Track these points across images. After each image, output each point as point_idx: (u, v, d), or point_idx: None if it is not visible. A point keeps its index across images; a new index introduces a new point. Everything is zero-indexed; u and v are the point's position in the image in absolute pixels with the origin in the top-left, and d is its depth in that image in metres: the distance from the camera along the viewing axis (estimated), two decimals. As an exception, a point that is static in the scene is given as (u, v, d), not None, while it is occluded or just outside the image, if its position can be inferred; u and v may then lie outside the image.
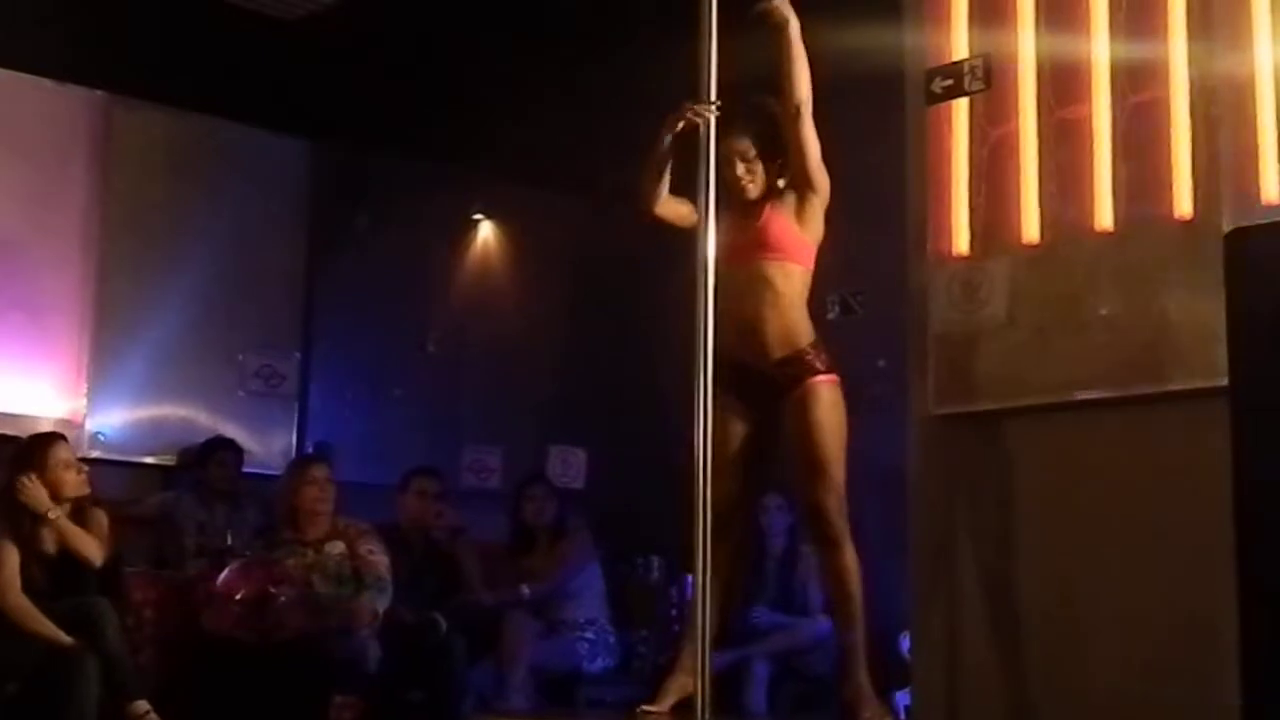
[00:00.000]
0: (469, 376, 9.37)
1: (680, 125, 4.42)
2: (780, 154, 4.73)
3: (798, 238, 4.70)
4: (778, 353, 4.63)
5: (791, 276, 4.68)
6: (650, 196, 4.71)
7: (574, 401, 9.31)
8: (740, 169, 4.71)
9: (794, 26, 4.61)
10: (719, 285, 4.29)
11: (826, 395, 4.60)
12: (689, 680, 4.37)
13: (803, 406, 4.59)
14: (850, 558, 4.58)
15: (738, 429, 4.64)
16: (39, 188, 7.94)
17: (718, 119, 4.39)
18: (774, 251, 4.67)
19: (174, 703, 5.84)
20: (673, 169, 4.64)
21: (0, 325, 7.75)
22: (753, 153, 4.72)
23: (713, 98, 4.31)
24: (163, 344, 8.19)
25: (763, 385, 4.64)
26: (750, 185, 4.72)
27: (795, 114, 4.61)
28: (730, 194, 4.68)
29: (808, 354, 4.63)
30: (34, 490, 5.87)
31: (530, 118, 8.53)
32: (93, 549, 5.95)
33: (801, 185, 4.69)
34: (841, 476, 4.56)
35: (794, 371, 4.62)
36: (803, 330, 4.67)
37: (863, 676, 4.60)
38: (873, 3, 5.12)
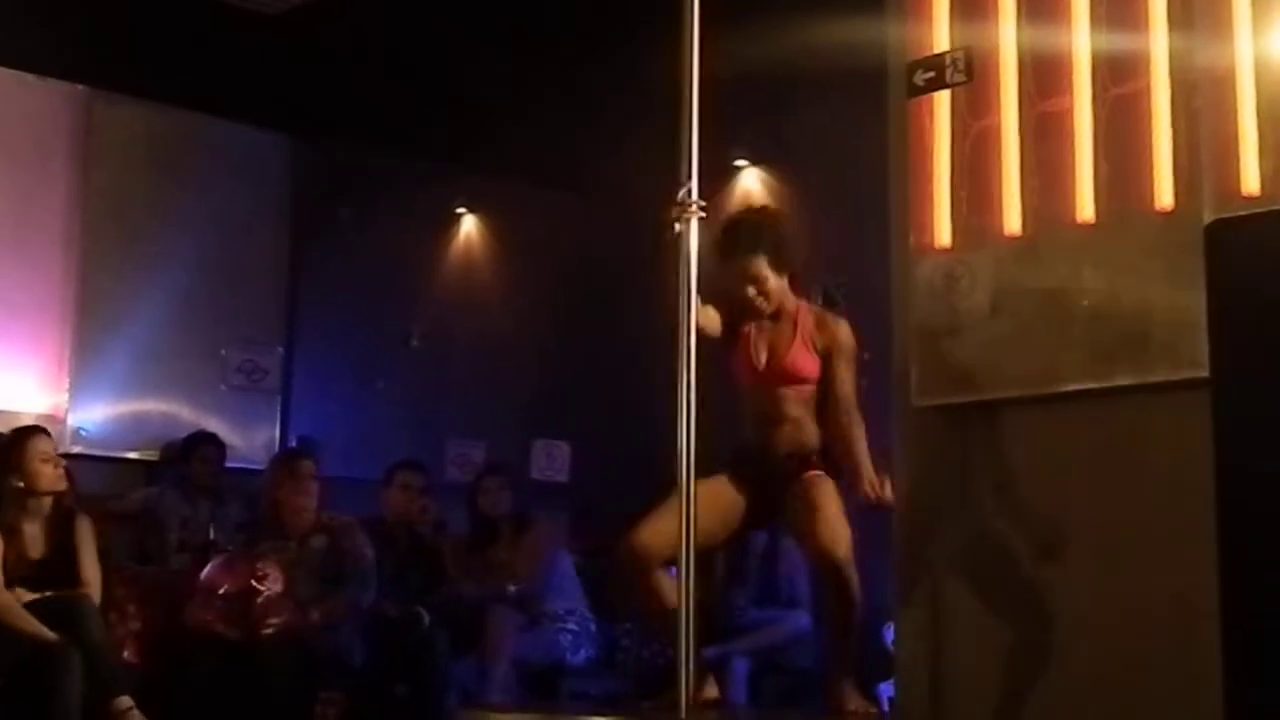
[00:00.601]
0: (453, 371, 9.37)
1: (676, 227, 4.33)
2: (791, 267, 5.01)
3: (813, 364, 5.03)
4: (784, 450, 4.97)
5: (805, 398, 5.01)
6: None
7: (558, 395, 9.31)
8: (751, 290, 4.95)
9: None
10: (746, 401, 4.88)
11: (827, 486, 4.92)
12: (710, 689, 5.02)
13: (806, 495, 4.89)
14: (857, 603, 4.88)
15: (733, 494, 4.98)
16: (20, 183, 7.93)
17: (726, 230, 4.70)
18: (793, 384, 5.01)
19: (157, 698, 5.84)
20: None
21: (-19, 320, 7.75)
22: (765, 272, 4.96)
23: (695, 193, 4.27)
24: (145, 339, 8.18)
25: (766, 472, 4.97)
26: (764, 304, 4.98)
27: None
28: (747, 309, 4.98)
29: (811, 455, 4.96)
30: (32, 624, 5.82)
31: (514, 112, 8.53)
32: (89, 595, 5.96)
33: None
34: (849, 549, 4.85)
35: (795, 465, 4.94)
36: (810, 436, 5.00)
37: (848, 685, 4.92)
38: (855, -5, 5.12)
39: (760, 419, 5.00)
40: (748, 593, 7.32)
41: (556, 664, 7.19)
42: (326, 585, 6.35)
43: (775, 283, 4.96)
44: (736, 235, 4.86)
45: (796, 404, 4.98)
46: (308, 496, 6.53)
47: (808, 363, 5.02)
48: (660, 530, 4.71)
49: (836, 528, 4.84)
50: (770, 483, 4.98)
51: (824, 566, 4.88)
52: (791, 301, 5.04)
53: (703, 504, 4.58)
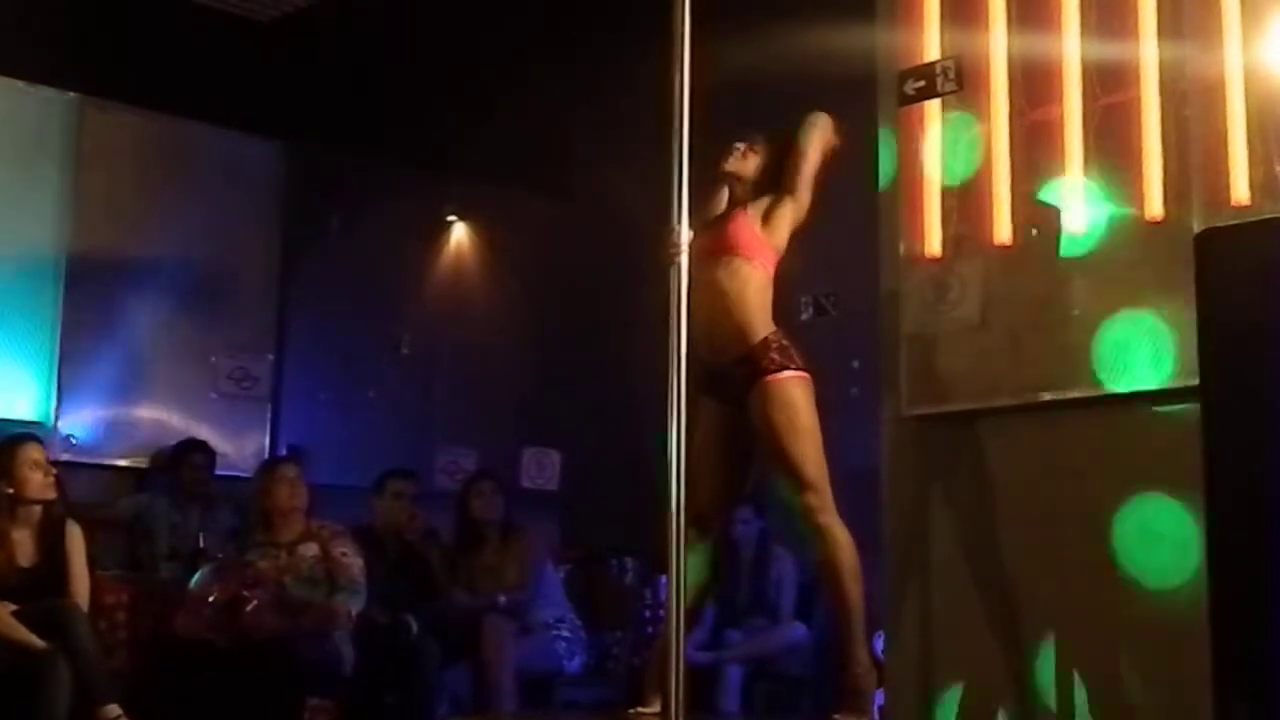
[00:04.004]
0: (442, 378, 9.37)
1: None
2: (777, 175, 4.76)
3: (754, 237, 4.67)
4: (733, 352, 4.58)
5: (737, 274, 4.61)
6: None
7: (548, 403, 9.31)
8: (733, 159, 4.77)
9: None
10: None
11: (782, 393, 4.52)
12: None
13: (761, 408, 4.53)
14: (838, 545, 4.47)
15: (715, 429, 4.63)
16: (10, 189, 7.90)
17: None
18: (727, 252, 4.63)
19: (146, 706, 5.82)
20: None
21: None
22: (757, 145, 4.79)
23: (684, 233, 4.10)
24: (135, 346, 8.17)
25: (730, 383, 4.61)
26: (737, 181, 4.77)
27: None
28: (708, 199, 4.74)
29: (757, 351, 4.55)
30: None
31: (504, 119, 8.53)
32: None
33: (782, 189, 4.69)
34: (816, 470, 4.49)
35: (748, 370, 4.56)
36: (754, 326, 4.58)
37: (858, 670, 4.51)
38: (845, 4, 5.13)
39: (702, 319, 4.42)
40: (739, 604, 7.32)
41: (554, 671, 7.18)
42: (316, 593, 6.33)
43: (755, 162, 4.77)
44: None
45: (723, 281, 4.57)
46: (295, 501, 6.50)
47: (745, 228, 4.67)
48: (704, 486, 4.51)
49: (800, 470, 4.45)
50: (737, 387, 4.56)
51: (792, 512, 4.52)
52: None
53: (701, 454, 4.43)
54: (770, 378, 4.53)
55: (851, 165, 5.27)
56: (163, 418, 8.26)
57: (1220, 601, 3.14)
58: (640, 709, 4.63)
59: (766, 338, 4.57)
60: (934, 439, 4.81)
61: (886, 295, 4.96)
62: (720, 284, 4.60)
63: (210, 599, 6.24)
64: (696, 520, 4.37)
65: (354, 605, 6.35)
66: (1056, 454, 4.53)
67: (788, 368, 4.55)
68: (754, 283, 4.63)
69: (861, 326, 5.30)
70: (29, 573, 5.91)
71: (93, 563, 6.23)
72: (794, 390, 4.53)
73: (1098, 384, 4.40)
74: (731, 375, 4.60)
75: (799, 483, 4.50)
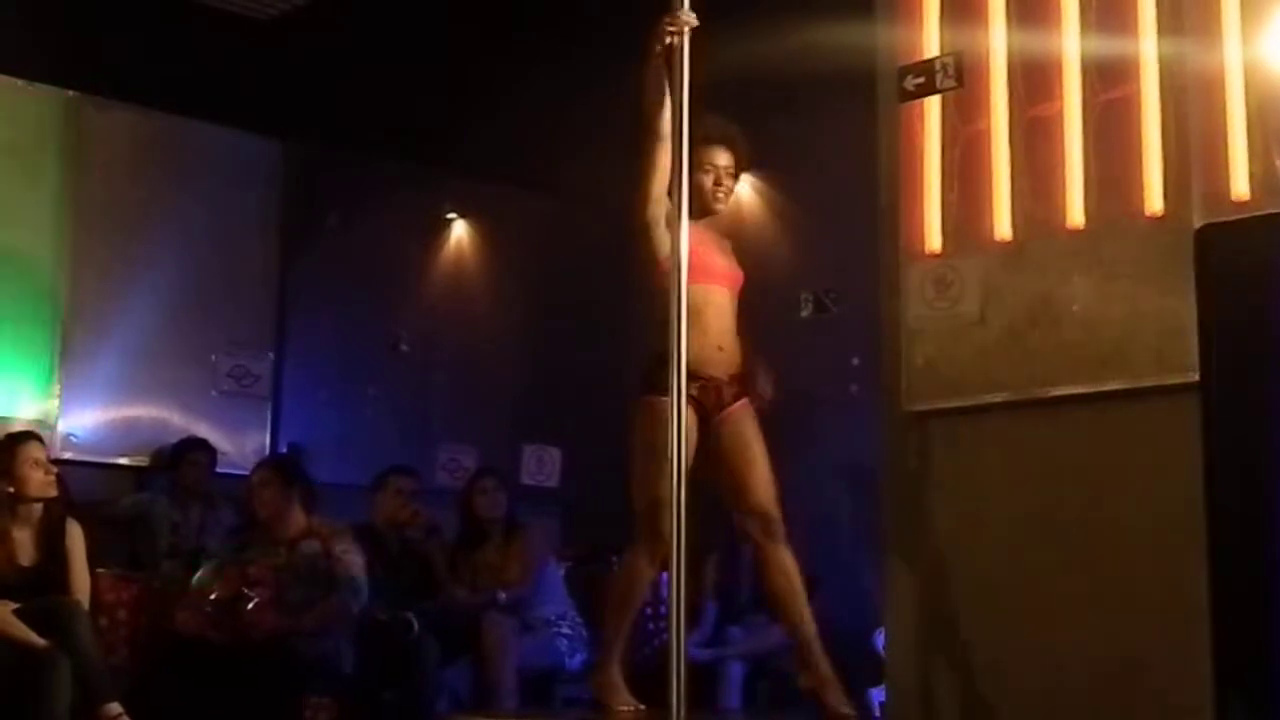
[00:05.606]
0: (443, 375, 9.37)
1: (665, 42, 4.29)
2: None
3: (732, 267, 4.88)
4: (722, 372, 4.75)
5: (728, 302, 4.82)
6: (655, 115, 4.59)
7: (548, 400, 9.31)
8: (708, 181, 4.80)
9: None
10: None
11: (753, 420, 4.75)
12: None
13: (740, 427, 4.73)
14: (784, 571, 4.71)
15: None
16: (8, 188, 7.90)
17: (701, 135, 4.46)
18: (721, 279, 4.82)
19: (147, 704, 5.82)
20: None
21: (-29, 327, 7.74)
22: (728, 170, 4.84)
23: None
24: (135, 344, 8.16)
25: (711, 397, 4.73)
26: (718, 202, 4.84)
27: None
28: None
29: (739, 376, 4.78)
30: None
31: (503, 117, 8.53)
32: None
33: None
34: (768, 496, 4.71)
35: (737, 390, 4.75)
36: (738, 352, 4.80)
37: (824, 664, 4.71)
38: (845, 0, 5.13)
39: (707, 334, 4.68)
40: (740, 601, 7.32)
41: (554, 669, 7.17)
42: (317, 591, 6.33)
43: (732, 184, 4.88)
44: (706, 121, 4.58)
45: (727, 308, 4.80)
46: (290, 502, 6.50)
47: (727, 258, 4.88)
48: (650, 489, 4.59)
49: (769, 480, 4.73)
50: (714, 402, 4.76)
51: (754, 520, 4.72)
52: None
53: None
54: (746, 404, 4.75)
55: (852, 161, 5.27)
56: (163, 416, 8.26)
57: (1220, 598, 3.14)
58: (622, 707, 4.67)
59: (746, 361, 4.80)
60: (934, 435, 4.81)
61: (887, 291, 4.96)
62: (726, 310, 4.80)
63: (211, 597, 6.25)
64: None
65: (354, 603, 6.36)
66: (1056, 450, 4.53)
67: (743, 396, 4.78)
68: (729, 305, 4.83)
69: (862, 323, 5.29)
70: (30, 571, 5.92)
71: (93, 561, 6.23)
72: (750, 417, 4.76)
73: (1097, 380, 4.40)
74: (719, 389, 4.73)
75: (765, 499, 4.70)
